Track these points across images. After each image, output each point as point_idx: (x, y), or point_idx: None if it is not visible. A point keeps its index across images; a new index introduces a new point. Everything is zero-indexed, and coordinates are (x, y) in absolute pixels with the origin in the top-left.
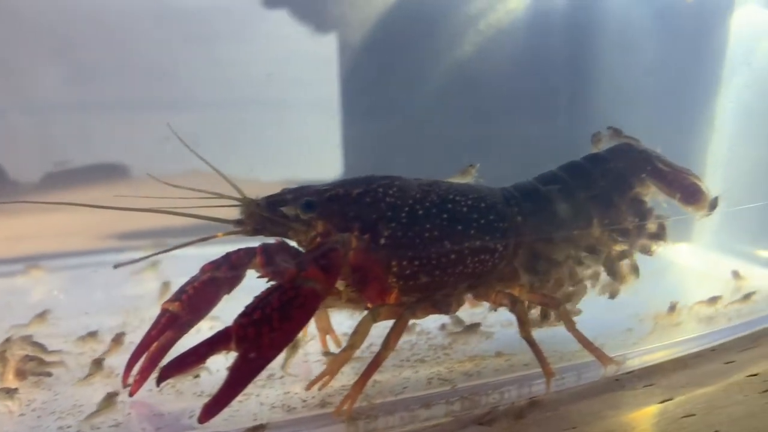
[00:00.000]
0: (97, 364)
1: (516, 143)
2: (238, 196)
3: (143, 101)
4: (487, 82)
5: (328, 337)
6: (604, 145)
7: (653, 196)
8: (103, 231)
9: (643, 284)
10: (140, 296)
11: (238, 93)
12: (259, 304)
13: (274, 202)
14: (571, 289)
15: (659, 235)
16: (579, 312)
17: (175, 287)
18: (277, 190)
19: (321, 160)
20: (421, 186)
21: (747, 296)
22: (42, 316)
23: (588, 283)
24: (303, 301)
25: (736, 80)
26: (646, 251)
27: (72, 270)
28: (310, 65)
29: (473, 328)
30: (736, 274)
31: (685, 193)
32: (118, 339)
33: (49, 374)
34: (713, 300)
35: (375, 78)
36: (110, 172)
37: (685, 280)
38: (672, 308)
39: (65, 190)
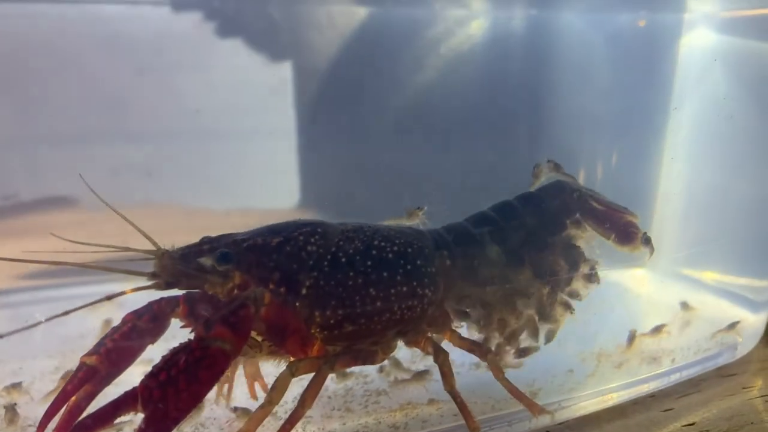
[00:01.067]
0: (11, 411)
1: (475, 169)
2: (151, 247)
3: (94, 133)
4: (446, 107)
5: (256, 384)
6: (545, 178)
7: (588, 237)
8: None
9: (595, 314)
10: (82, 335)
11: (192, 123)
12: (166, 364)
13: (189, 253)
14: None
15: (590, 278)
16: (520, 364)
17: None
18: (230, 219)
19: (277, 188)
20: (344, 232)
21: (731, 326)
22: None
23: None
24: (211, 361)
25: (687, 105)
26: (575, 296)
27: (8, 309)
28: (265, 93)
29: (422, 375)
30: (684, 305)
31: (619, 234)
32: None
33: None
34: (657, 329)
35: (333, 105)
36: (61, 205)
37: (638, 310)
38: (631, 339)
39: (14, 223)
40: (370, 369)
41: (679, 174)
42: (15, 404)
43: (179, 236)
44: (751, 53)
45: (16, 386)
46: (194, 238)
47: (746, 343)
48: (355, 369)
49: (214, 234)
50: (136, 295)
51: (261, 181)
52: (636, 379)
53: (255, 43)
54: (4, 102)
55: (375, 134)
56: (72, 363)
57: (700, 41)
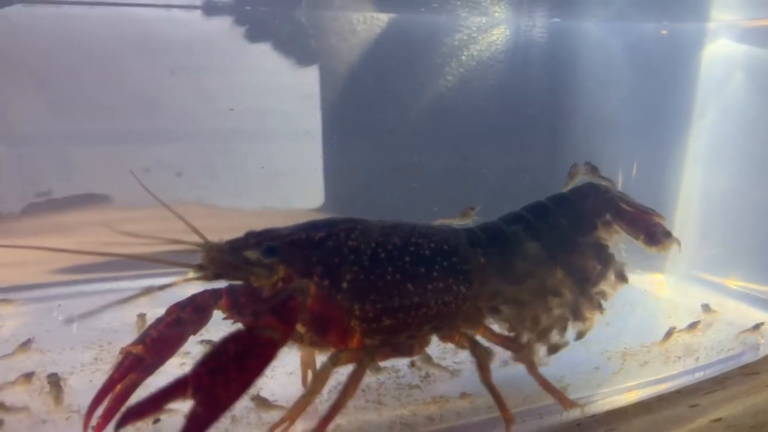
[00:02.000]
0: (56, 387)
1: (495, 174)
2: (198, 240)
3: (127, 132)
4: (468, 113)
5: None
6: (580, 180)
7: (617, 237)
8: (79, 261)
9: (616, 316)
10: (115, 330)
11: (222, 124)
12: (215, 352)
13: (236, 246)
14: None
15: (620, 277)
16: (548, 362)
17: (150, 318)
18: (259, 219)
19: (303, 190)
20: (383, 229)
21: (756, 327)
22: (26, 345)
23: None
24: (260, 350)
25: (709, 112)
26: (602, 296)
27: (45, 302)
28: (292, 96)
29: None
30: (706, 308)
31: (648, 235)
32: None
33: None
34: (693, 326)
35: (357, 108)
36: (92, 203)
37: (659, 312)
38: (668, 335)
39: (47, 220)
40: (402, 364)
41: (699, 181)
42: (59, 380)
43: (207, 235)
44: None
45: (53, 378)
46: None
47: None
48: (387, 363)
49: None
50: (169, 292)
51: (287, 183)
52: (661, 376)
53: (283, 47)
54: (39, 101)
55: (398, 138)
56: (110, 355)
57: (722, 50)
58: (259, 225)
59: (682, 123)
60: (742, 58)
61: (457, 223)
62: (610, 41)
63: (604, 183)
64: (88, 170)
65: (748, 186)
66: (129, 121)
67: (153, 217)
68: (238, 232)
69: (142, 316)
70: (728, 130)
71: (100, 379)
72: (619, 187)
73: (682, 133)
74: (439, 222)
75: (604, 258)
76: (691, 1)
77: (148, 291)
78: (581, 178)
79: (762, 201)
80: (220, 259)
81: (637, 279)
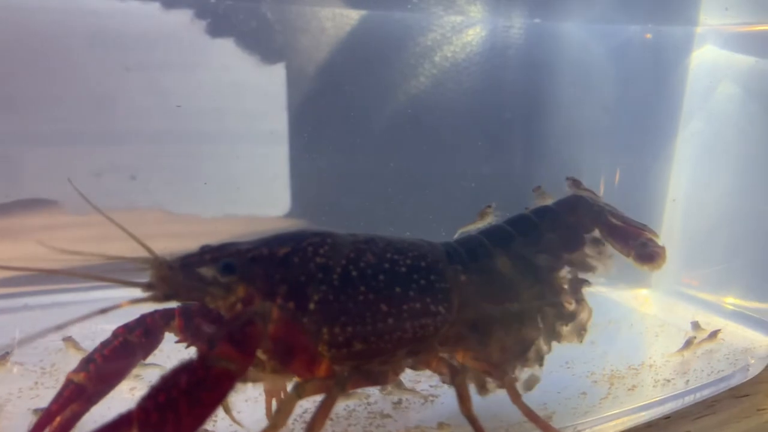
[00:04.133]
0: None
1: (469, 180)
2: (147, 255)
3: (78, 133)
4: (440, 117)
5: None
6: (550, 199)
7: (605, 254)
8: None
9: (601, 334)
10: (59, 349)
11: (181, 124)
12: (165, 385)
13: (189, 263)
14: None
15: (578, 334)
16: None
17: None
18: (219, 226)
19: (268, 194)
20: (355, 243)
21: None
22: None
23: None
24: (214, 383)
25: (695, 120)
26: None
27: None
28: (257, 96)
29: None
30: (696, 326)
31: (639, 252)
32: None
33: None
34: (714, 335)
35: (325, 110)
36: (40, 208)
37: (646, 330)
38: (687, 344)
39: None
40: (373, 389)
41: (685, 190)
42: None
43: (162, 243)
44: (763, 69)
45: None
46: (177, 246)
47: (757, 365)
48: (358, 389)
49: (210, 242)
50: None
51: (249, 188)
52: (651, 401)
53: (247, 43)
54: None
55: (368, 141)
56: (52, 379)
57: (709, 55)
58: (220, 232)
59: (667, 130)
60: (730, 64)
61: (478, 226)
62: (592, 44)
63: (588, 195)
64: (35, 173)
65: (737, 196)
66: (80, 121)
67: (106, 222)
68: (197, 240)
69: (67, 340)
70: (716, 138)
71: (41, 406)
72: (601, 194)
73: (667, 140)
74: (461, 230)
75: (580, 297)
76: (677, 5)
77: (89, 316)
78: (543, 199)
79: (751, 212)
80: (172, 277)
81: (621, 294)
